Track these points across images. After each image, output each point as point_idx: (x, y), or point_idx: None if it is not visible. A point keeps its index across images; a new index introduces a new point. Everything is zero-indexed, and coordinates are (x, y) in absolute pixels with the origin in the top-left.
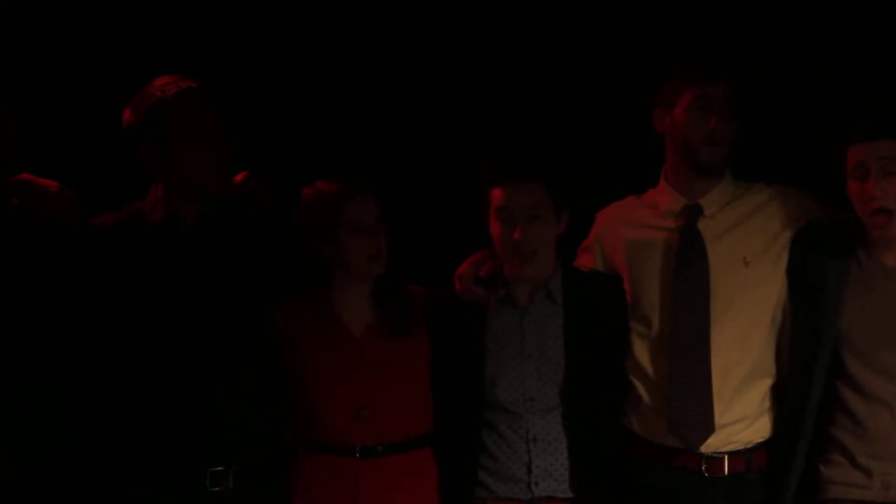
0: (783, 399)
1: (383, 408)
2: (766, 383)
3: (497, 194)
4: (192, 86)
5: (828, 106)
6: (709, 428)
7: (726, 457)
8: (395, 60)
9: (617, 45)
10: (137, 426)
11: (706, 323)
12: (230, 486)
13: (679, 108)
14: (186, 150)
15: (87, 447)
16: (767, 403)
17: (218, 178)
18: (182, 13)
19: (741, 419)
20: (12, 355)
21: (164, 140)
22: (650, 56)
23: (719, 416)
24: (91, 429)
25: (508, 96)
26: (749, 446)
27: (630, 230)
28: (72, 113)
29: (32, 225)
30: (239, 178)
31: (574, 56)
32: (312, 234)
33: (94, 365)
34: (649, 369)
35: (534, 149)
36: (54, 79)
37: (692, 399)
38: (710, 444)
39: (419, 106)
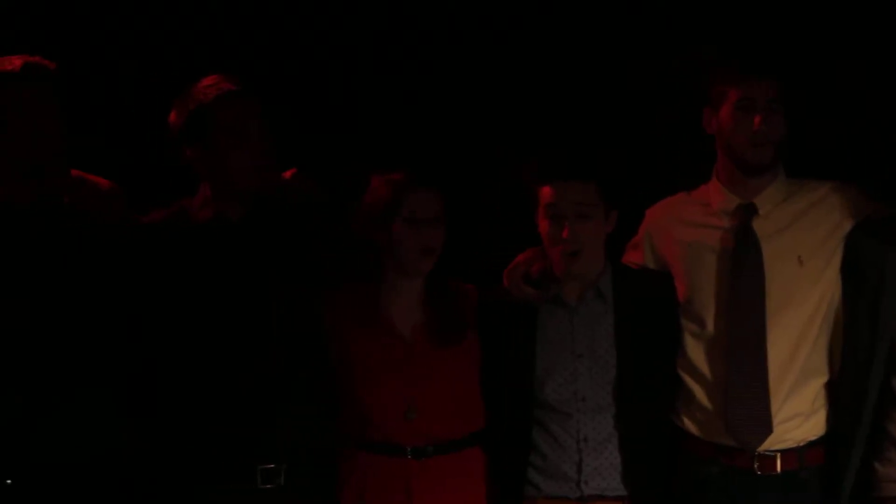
0: (836, 396)
1: (432, 408)
2: (819, 381)
3: (546, 192)
4: (232, 89)
5: (884, 102)
6: (767, 428)
7: (779, 455)
8: (448, 58)
9: (666, 44)
10: (189, 424)
11: (762, 322)
12: (281, 483)
13: (724, 110)
14: (228, 152)
15: (139, 444)
16: (821, 401)
17: (260, 178)
18: (229, 12)
19: (794, 416)
20: (64, 354)
21: (206, 143)
22: (700, 55)
23: (773, 415)
24: (142, 426)
25: (559, 94)
26: (802, 444)
27: (683, 228)
28: (121, 111)
29: (83, 223)
30: (287, 174)
31: (626, 54)
32: (370, 220)
33: (145, 363)
34: (703, 369)
35: (585, 147)
36: (102, 77)
37: (750, 399)
38: (763, 443)
39: (470, 104)
